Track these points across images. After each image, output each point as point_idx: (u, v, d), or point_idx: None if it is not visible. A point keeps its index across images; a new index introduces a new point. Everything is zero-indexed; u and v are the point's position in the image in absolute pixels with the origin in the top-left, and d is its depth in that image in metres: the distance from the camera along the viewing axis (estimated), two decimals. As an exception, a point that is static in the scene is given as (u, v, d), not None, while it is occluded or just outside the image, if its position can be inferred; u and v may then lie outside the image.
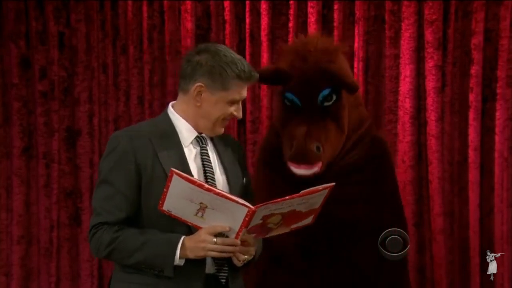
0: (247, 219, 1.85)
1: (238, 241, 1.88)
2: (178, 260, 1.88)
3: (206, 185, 1.84)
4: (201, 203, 1.84)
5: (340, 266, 2.41)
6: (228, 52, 1.98)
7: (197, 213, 1.86)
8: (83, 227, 3.53)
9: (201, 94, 1.95)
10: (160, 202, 1.87)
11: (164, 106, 3.48)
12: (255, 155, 3.15)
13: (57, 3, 3.48)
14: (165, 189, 1.85)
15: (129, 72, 3.44)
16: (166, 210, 1.87)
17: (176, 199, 1.85)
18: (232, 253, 1.89)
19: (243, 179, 2.08)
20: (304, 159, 2.32)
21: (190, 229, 1.90)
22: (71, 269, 3.54)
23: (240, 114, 2.00)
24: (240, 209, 1.84)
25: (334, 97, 2.41)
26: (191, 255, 1.87)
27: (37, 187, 3.54)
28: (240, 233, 1.87)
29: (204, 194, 1.83)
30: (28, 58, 3.51)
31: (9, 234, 3.54)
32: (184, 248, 1.88)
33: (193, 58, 1.97)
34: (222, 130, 2.03)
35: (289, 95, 2.45)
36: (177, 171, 1.83)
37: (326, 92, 2.39)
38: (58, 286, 3.53)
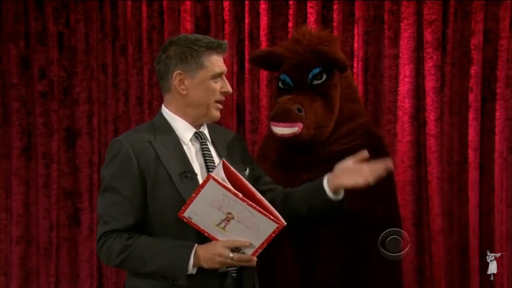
0: (273, 235, 1.83)
1: (255, 259, 1.87)
2: (191, 269, 1.87)
3: (241, 195, 1.81)
4: (228, 213, 1.82)
5: (327, 252, 2.41)
6: (189, 35, 2.02)
7: (220, 223, 1.84)
8: (82, 227, 3.55)
9: (183, 82, 1.96)
10: (183, 207, 1.83)
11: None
12: (255, 155, 3.14)
13: (56, 3, 3.49)
14: (193, 195, 1.81)
15: (128, 72, 3.45)
16: (186, 216, 1.84)
17: (203, 206, 1.82)
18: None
19: (245, 170, 2.08)
20: (284, 117, 2.33)
21: (201, 236, 1.88)
22: (71, 270, 3.56)
23: (229, 88, 2.01)
24: (269, 224, 1.81)
25: (324, 76, 2.43)
26: (205, 265, 1.87)
27: (37, 187, 3.55)
28: (260, 250, 1.85)
29: (236, 203, 1.80)
30: (28, 58, 3.53)
31: (8, 234, 3.56)
32: (197, 258, 1.87)
33: (161, 57, 1.99)
34: (219, 114, 2.02)
35: (282, 76, 2.48)
36: (214, 176, 1.80)
37: (316, 70, 2.42)
38: (57, 286, 3.55)
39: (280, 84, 2.51)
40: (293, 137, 2.34)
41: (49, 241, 3.53)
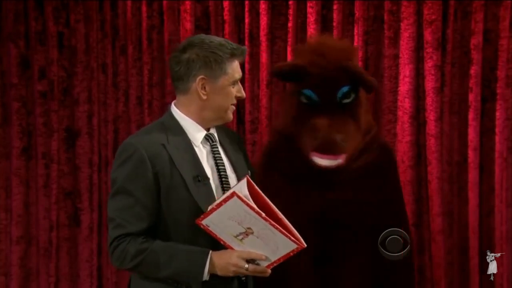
0: (291, 254, 1.84)
1: (269, 271, 1.88)
2: (206, 276, 1.88)
3: (264, 214, 1.81)
4: (248, 228, 1.82)
5: (340, 270, 2.39)
6: (212, 37, 1.99)
7: (238, 235, 1.84)
8: (82, 227, 3.55)
9: (205, 87, 1.95)
10: (202, 216, 1.83)
11: (163, 106, 3.49)
12: (255, 155, 3.14)
13: (56, 3, 3.49)
14: (215, 206, 1.82)
15: (128, 72, 3.45)
16: (204, 224, 1.84)
17: (223, 219, 1.82)
18: None
19: (248, 172, 2.08)
20: (330, 149, 2.28)
21: (213, 241, 1.88)
22: (70, 270, 3.56)
23: (243, 93, 2.03)
24: (288, 244, 1.82)
25: (353, 95, 2.38)
26: (219, 273, 1.88)
27: (36, 187, 3.55)
28: (275, 264, 1.86)
29: (258, 221, 1.81)
30: (28, 58, 3.53)
31: (8, 234, 3.56)
32: (212, 265, 1.87)
33: (182, 57, 1.96)
34: (232, 116, 2.04)
35: (307, 91, 2.39)
36: (238, 193, 1.80)
37: (345, 89, 2.35)
38: (57, 286, 3.55)
39: (303, 99, 2.40)
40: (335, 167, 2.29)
41: (49, 241, 3.53)
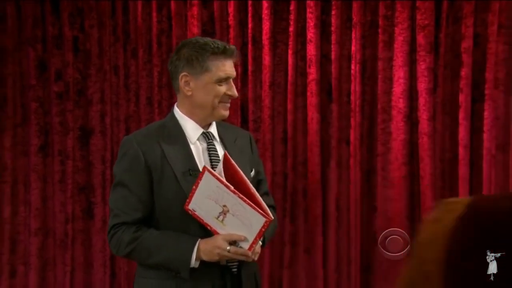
0: (263, 230, 1.86)
1: (250, 253, 1.92)
2: (193, 263, 1.94)
3: (232, 187, 1.86)
4: (224, 205, 1.87)
5: None
6: (201, 38, 2.03)
7: (218, 216, 1.89)
8: (95, 220, 3.62)
9: (188, 84, 2.01)
10: (187, 200, 1.89)
11: (172, 106, 3.61)
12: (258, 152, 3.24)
13: (72, 9, 3.57)
14: (194, 187, 1.87)
15: (139, 74, 3.51)
16: (191, 209, 1.90)
17: (202, 198, 1.88)
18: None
19: (251, 171, 2.11)
20: None
21: (204, 229, 1.94)
22: (85, 259, 3.63)
23: (234, 92, 2.04)
24: (258, 218, 1.84)
25: None
26: (205, 258, 1.93)
27: (53, 182, 3.64)
28: (254, 245, 1.90)
29: (229, 196, 1.85)
30: (45, 61, 3.61)
31: (27, 226, 3.64)
32: (199, 251, 1.93)
33: (173, 58, 2.04)
34: (226, 113, 2.05)
35: None
36: (209, 168, 1.86)
37: None
38: (73, 275, 3.63)
39: None
40: None
41: (65, 233, 3.61)
